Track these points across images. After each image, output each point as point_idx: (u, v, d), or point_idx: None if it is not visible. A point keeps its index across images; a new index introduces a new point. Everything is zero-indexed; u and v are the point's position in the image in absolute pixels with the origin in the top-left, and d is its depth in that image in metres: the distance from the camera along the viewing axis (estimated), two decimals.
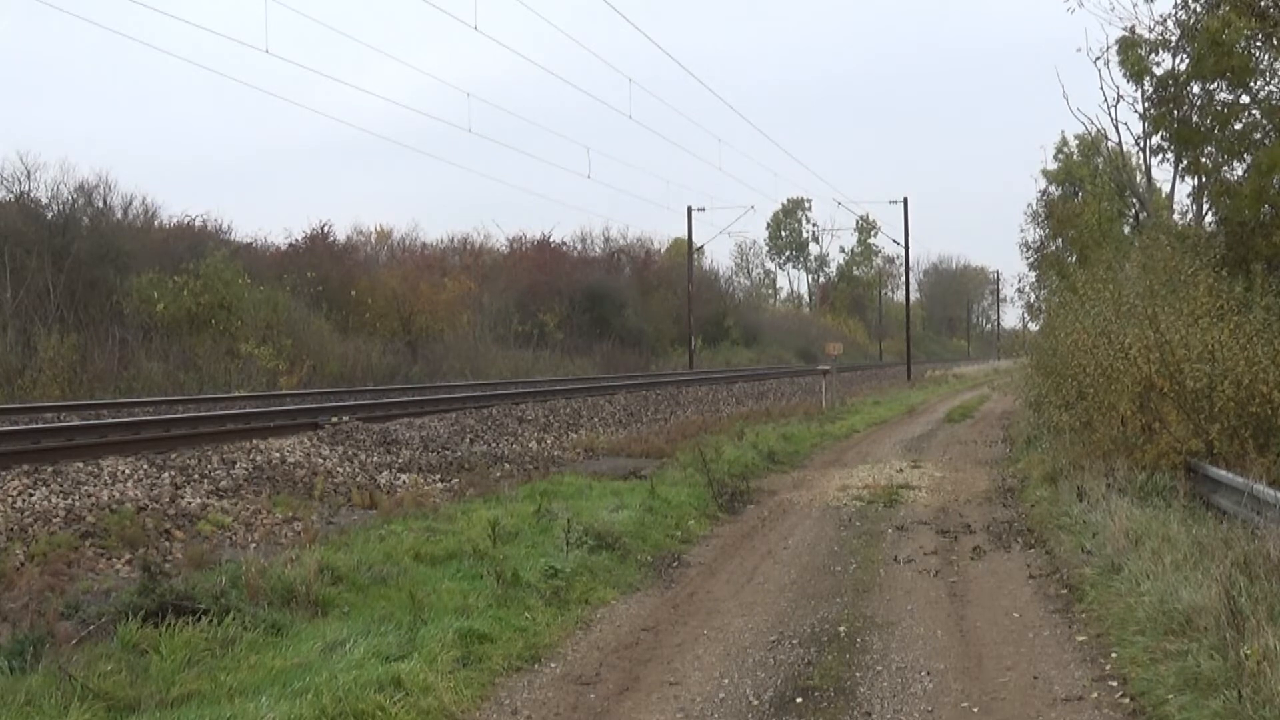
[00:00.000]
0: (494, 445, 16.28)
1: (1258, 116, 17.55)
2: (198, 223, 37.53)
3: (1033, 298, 30.85)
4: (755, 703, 5.47)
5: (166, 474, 11.10)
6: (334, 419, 16.35)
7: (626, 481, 12.66)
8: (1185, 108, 18.80)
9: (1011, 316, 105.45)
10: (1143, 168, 25.03)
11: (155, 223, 36.15)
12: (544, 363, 43.24)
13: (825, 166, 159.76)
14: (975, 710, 5.30)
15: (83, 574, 7.56)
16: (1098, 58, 22.20)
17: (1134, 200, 25.75)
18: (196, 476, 11.23)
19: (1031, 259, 29.67)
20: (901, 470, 15.09)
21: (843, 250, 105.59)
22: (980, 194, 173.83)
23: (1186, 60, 18.52)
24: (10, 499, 9.31)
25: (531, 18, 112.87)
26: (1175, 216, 23.15)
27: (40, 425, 14.99)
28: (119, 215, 34.33)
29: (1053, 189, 32.11)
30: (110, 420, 15.96)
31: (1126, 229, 26.34)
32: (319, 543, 8.40)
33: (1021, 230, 31.67)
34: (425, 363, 37.51)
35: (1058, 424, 14.46)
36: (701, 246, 63.66)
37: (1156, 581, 6.70)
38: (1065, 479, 11.54)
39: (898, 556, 9.13)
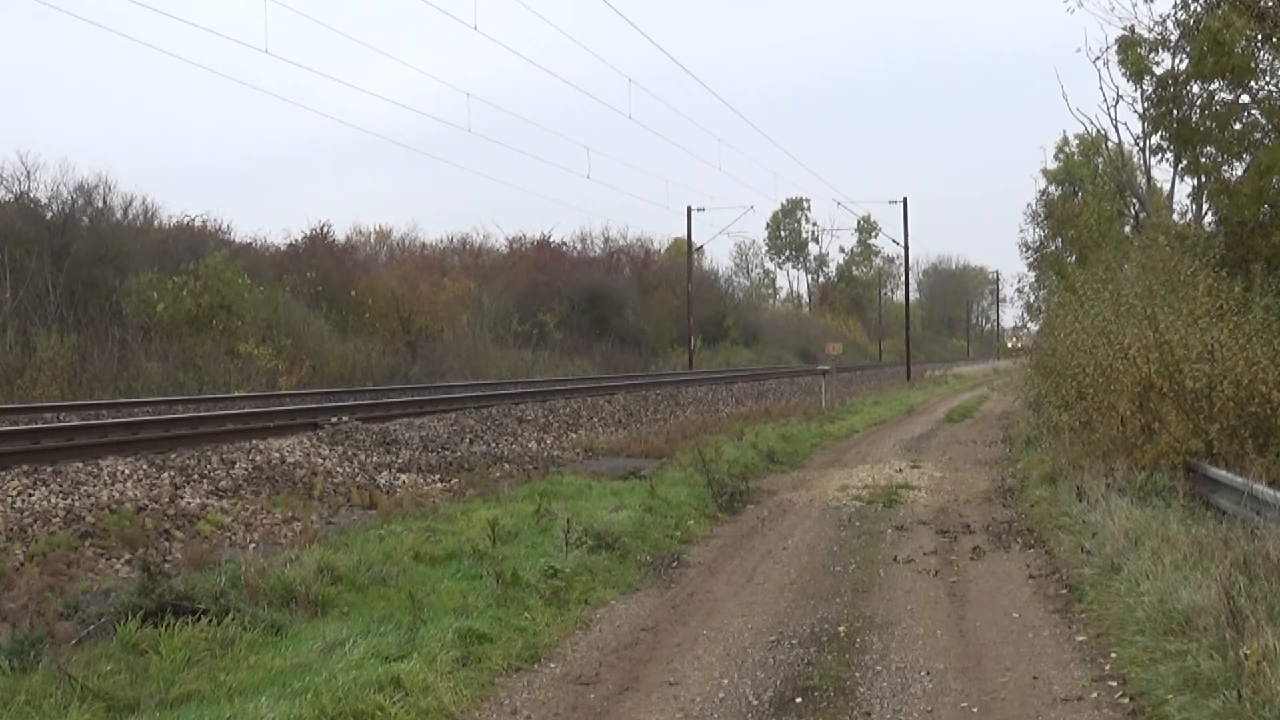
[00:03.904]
0: (494, 445, 16.28)
1: (1257, 116, 17.55)
2: (197, 223, 37.62)
3: (1032, 298, 30.91)
4: (755, 703, 5.47)
5: (166, 474, 11.10)
6: (334, 419, 16.35)
7: (626, 481, 12.66)
8: (1185, 108, 18.80)
9: (1011, 316, 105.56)
10: (1142, 168, 25.05)
11: (155, 223, 36.21)
12: (544, 363, 43.23)
13: (825, 167, 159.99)
14: (975, 710, 5.30)
15: (82, 574, 7.56)
16: (1097, 58, 22.26)
17: (1134, 200, 25.75)
18: (196, 476, 11.22)
19: (1031, 259, 29.74)
20: (901, 470, 15.08)
21: (842, 250, 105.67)
22: (980, 194, 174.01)
23: (1186, 60, 18.53)
24: (10, 499, 9.31)
25: (531, 18, 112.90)
26: (1175, 216, 23.15)
27: (40, 425, 14.99)
28: (119, 215, 34.37)
29: (1053, 189, 32.18)
30: (110, 420, 15.96)
31: (1126, 229, 26.34)
32: (318, 543, 8.41)
33: (1021, 230, 31.78)
34: (425, 363, 37.50)
35: (1057, 424, 14.45)
36: (701, 246, 63.77)
37: (1156, 581, 6.70)
38: (1065, 479, 11.54)
39: (897, 556, 9.12)
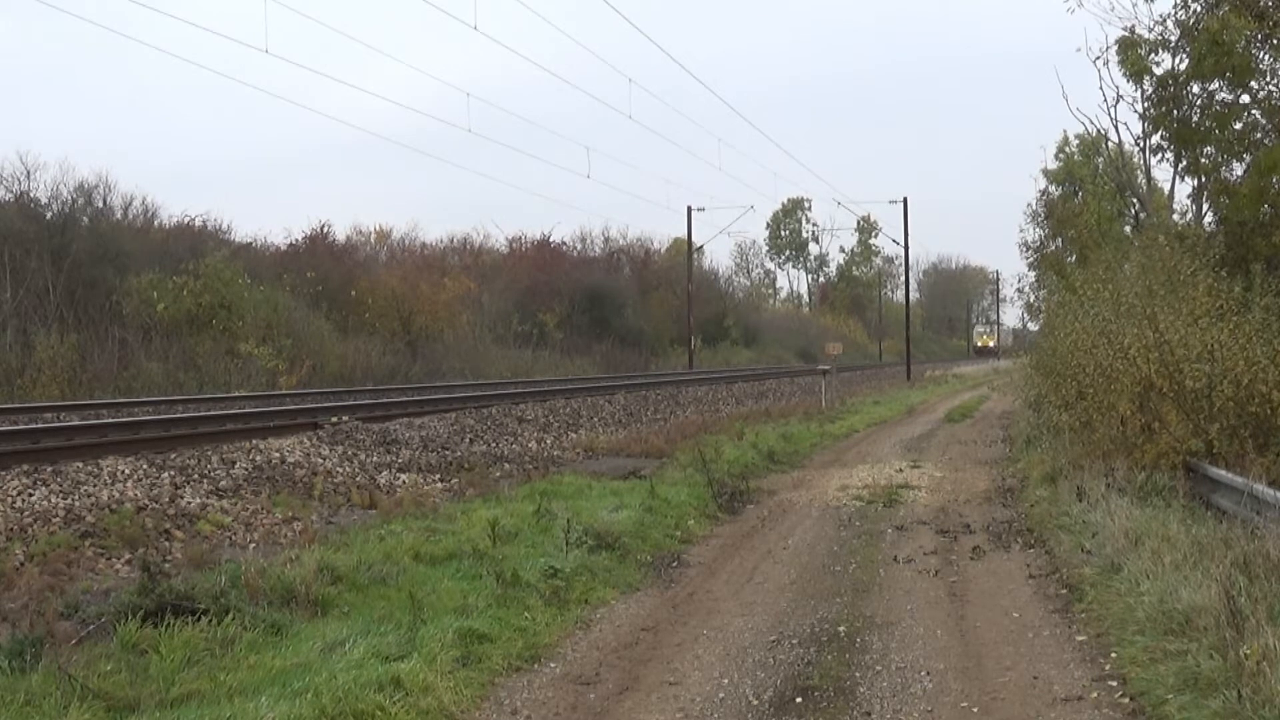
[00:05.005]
0: (494, 445, 16.28)
1: (1258, 116, 17.56)
2: (197, 223, 37.61)
3: (1032, 298, 30.89)
4: (755, 703, 5.47)
5: (166, 474, 11.10)
6: (334, 419, 16.35)
7: (626, 481, 12.65)
8: (1185, 108, 18.80)
9: (1011, 316, 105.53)
10: (1142, 168, 25.03)
11: (155, 223, 36.23)
12: (544, 363, 43.22)
13: (825, 166, 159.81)
14: (975, 710, 5.30)
15: (82, 574, 7.55)
16: (1097, 58, 22.16)
17: (1134, 200, 25.74)
18: (196, 476, 11.22)
19: (1031, 259, 29.68)
20: (901, 470, 15.08)
21: (843, 250, 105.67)
22: (980, 194, 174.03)
23: (1186, 60, 18.52)
24: (10, 499, 9.31)
25: (531, 18, 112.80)
26: (1175, 216, 23.14)
27: (40, 425, 14.99)
28: (119, 215, 34.40)
29: (1053, 189, 32.14)
30: (110, 420, 15.96)
31: (1126, 229, 26.33)
32: (318, 543, 8.40)
33: (1021, 230, 31.73)
34: (425, 363, 37.50)
35: (1057, 424, 14.46)
36: (701, 246, 63.79)
37: (1156, 581, 6.69)
38: (1065, 479, 11.54)
39: (897, 556, 9.12)
